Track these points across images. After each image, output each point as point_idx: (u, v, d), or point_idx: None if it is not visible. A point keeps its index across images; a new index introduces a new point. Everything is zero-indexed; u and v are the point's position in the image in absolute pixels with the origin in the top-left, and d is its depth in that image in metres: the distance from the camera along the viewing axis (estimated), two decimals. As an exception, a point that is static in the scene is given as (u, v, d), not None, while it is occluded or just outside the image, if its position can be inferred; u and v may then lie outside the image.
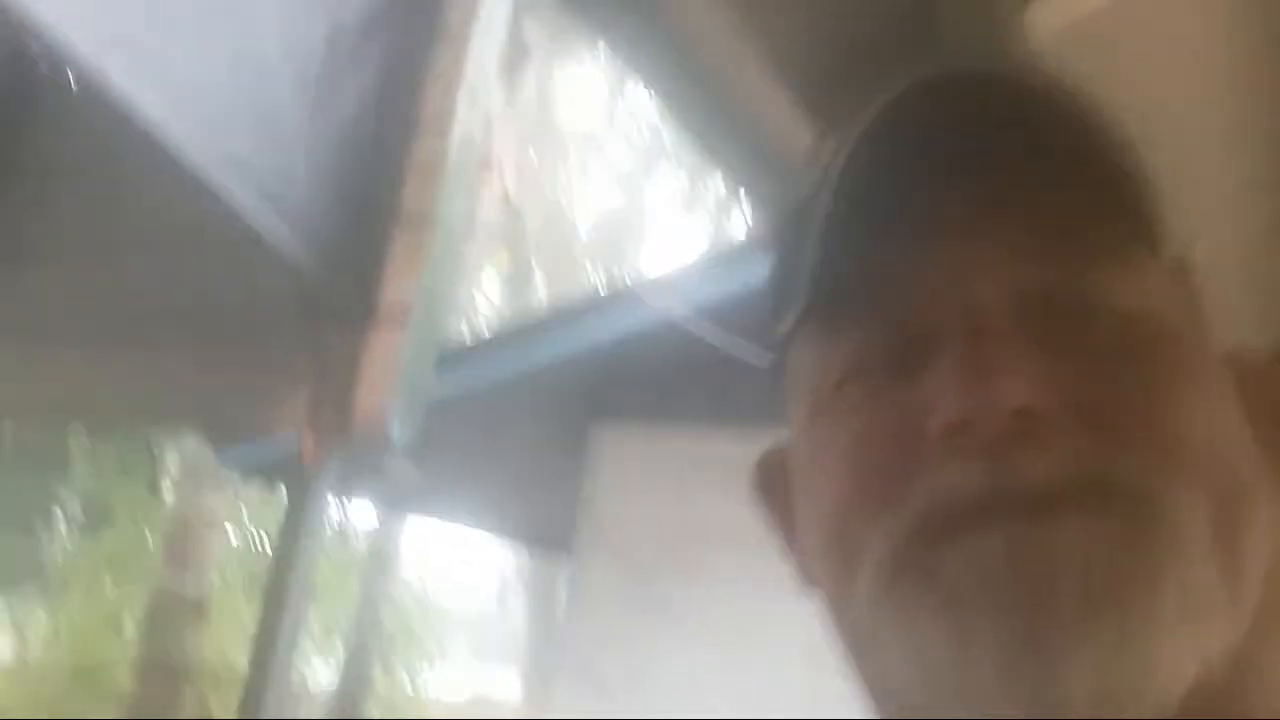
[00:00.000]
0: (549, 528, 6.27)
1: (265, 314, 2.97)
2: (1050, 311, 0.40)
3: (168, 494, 10.23)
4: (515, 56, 9.86)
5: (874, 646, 0.41)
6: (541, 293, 12.56)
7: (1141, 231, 0.41)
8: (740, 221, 12.76)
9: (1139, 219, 0.40)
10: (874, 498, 0.40)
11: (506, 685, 15.76)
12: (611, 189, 13.92)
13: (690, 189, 13.99)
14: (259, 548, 13.21)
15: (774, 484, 0.50)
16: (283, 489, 5.71)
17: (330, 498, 2.85)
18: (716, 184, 13.28)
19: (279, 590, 2.79)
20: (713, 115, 0.79)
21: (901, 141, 0.41)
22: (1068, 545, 0.35)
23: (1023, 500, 0.36)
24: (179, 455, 8.70)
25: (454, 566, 19.47)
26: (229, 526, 8.99)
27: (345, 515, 14.32)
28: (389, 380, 2.87)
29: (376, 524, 9.04)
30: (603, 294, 4.91)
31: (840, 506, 0.41)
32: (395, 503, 7.17)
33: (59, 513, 12.71)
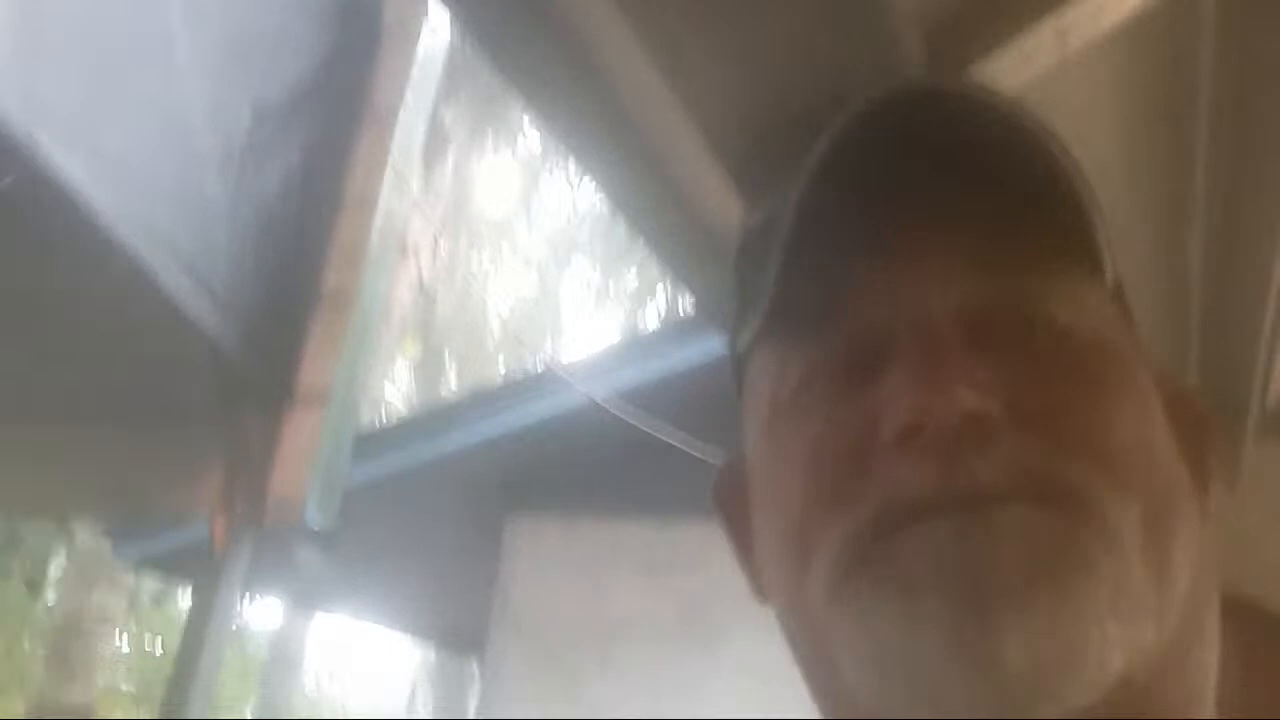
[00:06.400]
0: (463, 622, 6.11)
1: (183, 393, 2.86)
2: (994, 322, 0.42)
3: (50, 592, 9.70)
4: (434, 145, 9.92)
5: (827, 644, 0.42)
6: (452, 380, 12.45)
7: (1082, 250, 0.43)
8: (653, 315, 12.90)
9: (1080, 238, 0.42)
10: (830, 498, 0.41)
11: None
12: (525, 279, 14.02)
13: (603, 282, 14.12)
14: (150, 649, 12.58)
15: (732, 494, 0.51)
16: (188, 580, 5.45)
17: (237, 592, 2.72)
18: (630, 278, 13.45)
19: (183, 688, 2.64)
20: (641, 190, 0.80)
21: (857, 161, 0.43)
22: (1011, 531, 0.37)
23: (971, 497, 0.38)
24: (70, 549, 8.27)
25: (364, 667, 18.77)
26: (119, 627, 8.50)
27: (245, 613, 13.77)
28: (306, 464, 2.77)
29: (280, 622, 8.68)
30: (519, 380, 4.86)
31: (797, 509, 0.42)
32: (304, 596, 6.91)
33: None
